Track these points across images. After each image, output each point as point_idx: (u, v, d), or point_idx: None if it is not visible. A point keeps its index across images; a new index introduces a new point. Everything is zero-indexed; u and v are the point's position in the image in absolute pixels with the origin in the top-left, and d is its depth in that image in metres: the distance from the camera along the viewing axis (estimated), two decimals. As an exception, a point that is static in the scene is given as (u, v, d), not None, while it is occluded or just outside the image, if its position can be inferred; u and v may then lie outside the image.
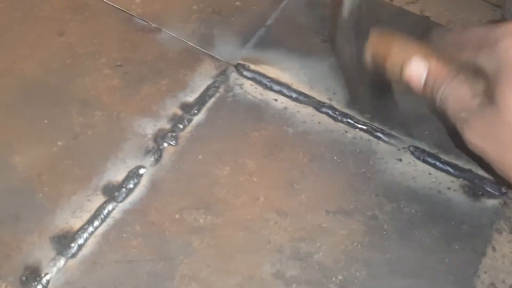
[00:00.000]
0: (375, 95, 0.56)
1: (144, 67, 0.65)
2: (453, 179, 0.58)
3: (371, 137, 0.61)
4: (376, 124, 0.61)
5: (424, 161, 0.59)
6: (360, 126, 0.62)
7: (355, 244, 0.54)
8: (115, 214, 0.55)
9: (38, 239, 0.54)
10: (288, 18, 0.70)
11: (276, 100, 0.64)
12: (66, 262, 0.53)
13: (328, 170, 0.59)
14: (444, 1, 0.73)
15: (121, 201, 0.56)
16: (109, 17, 0.69)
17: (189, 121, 0.62)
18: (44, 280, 0.52)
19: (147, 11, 0.69)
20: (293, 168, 0.59)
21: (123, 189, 0.57)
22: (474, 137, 0.42)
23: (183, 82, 0.64)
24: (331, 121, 0.62)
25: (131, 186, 0.57)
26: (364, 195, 0.57)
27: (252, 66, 0.66)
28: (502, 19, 0.71)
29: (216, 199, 0.56)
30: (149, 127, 0.61)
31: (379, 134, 0.61)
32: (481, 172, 0.58)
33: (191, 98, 0.63)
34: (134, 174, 0.58)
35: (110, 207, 0.56)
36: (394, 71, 0.47)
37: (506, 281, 0.53)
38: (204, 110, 0.62)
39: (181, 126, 0.61)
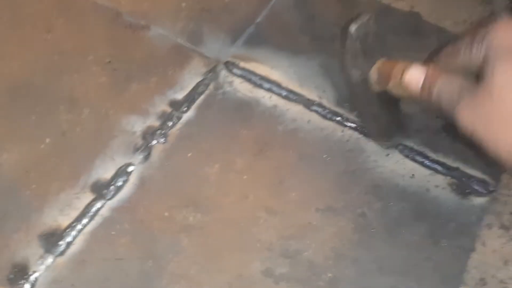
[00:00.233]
0: (383, 113, 0.57)
1: (133, 64, 0.65)
2: (441, 177, 0.58)
3: (361, 135, 0.61)
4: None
5: (413, 159, 0.59)
6: (349, 124, 0.62)
7: (344, 241, 0.54)
8: (104, 211, 0.55)
9: (26, 237, 0.53)
10: (278, 15, 0.70)
11: (266, 98, 0.63)
12: (54, 260, 0.52)
13: (317, 168, 0.59)
14: (434, -3, 0.73)
15: (109, 199, 0.56)
16: (97, 14, 0.68)
17: (179, 118, 0.61)
18: (32, 278, 0.51)
19: (135, 9, 0.69)
20: (282, 166, 0.59)
21: (112, 187, 0.56)
22: (465, 116, 0.43)
23: (172, 79, 0.64)
24: (320, 119, 0.62)
25: (120, 183, 0.57)
26: (353, 193, 0.57)
27: (241, 64, 0.66)
28: (492, 14, 0.72)
29: (206, 197, 0.56)
30: (138, 125, 0.60)
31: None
32: (469, 170, 0.59)
33: (180, 95, 0.63)
34: (122, 172, 0.57)
35: (98, 204, 0.55)
36: (396, 81, 0.49)
37: (496, 275, 0.53)
38: (193, 108, 0.62)
39: (170, 124, 0.61)
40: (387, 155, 0.60)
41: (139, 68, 0.65)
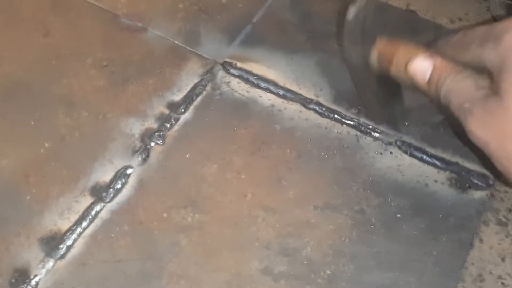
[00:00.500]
0: (382, 95, 0.56)
1: (130, 66, 0.65)
2: (440, 172, 0.58)
3: (358, 132, 0.61)
4: (362, 120, 0.62)
5: (411, 155, 0.59)
6: (347, 121, 0.62)
7: (343, 238, 0.54)
8: (103, 214, 0.55)
9: (27, 241, 0.54)
10: (274, 15, 0.70)
11: (263, 97, 0.64)
12: (55, 263, 0.53)
13: (315, 166, 0.59)
14: (430, -6, 0.73)
15: (109, 202, 0.56)
16: (94, 17, 0.68)
17: (176, 120, 0.62)
18: (33, 282, 0.52)
19: (132, 11, 0.69)
20: (280, 164, 0.59)
21: (111, 190, 0.57)
22: (477, 128, 0.41)
23: (170, 81, 0.64)
24: (318, 117, 0.62)
25: (119, 186, 0.57)
26: (351, 190, 0.57)
27: (238, 64, 0.66)
28: (487, 11, 0.72)
29: (204, 197, 0.57)
30: (136, 127, 0.61)
31: (365, 130, 0.61)
32: (467, 165, 0.59)
33: (178, 97, 0.63)
34: (121, 174, 0.58)
35: (98, 207, 0.56)
36: (399, 68, 0.47)
37: (493, 272, 0.53)
38: (191, 109, 0.63)
39: (168, 125, 0.61)
40: (383, 152, 0.60)
41: (136, 70, 0.65)
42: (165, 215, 0.55)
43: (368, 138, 0.61)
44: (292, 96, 0.64)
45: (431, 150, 0.60)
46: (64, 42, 0.66)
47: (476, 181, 0.58)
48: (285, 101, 0.63)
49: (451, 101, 0.43)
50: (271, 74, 0.65)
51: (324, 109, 0.63)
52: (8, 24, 0.67)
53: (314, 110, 0.63)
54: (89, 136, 0.60)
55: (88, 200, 0.56)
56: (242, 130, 0.61)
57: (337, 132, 0.61)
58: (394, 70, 0.48)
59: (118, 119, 0.61)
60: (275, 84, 0.64)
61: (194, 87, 0.64)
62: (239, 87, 0.64)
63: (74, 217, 0.55)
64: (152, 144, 0.60)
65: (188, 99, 0.63)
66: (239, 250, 0.54)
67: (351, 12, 0.50)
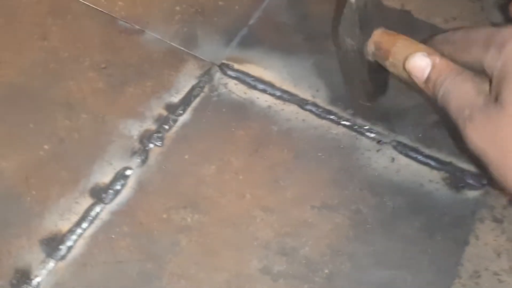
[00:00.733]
0: (372, 87, 0.56)
1: (128, 69, 0.65)
2: (435, 172, 0.59)
3: (354, 133, 0.62)
4: (358, 120, 0.62)
5: (406, 155, 0.60)
6: (343, 122, 0.63)
7: (340, 238, 0.55)
8: (103, 215, 0.56)
9: (27, 242, 0.54)
10: (271, 17, 0.71)
11: (260, 98, 0.64)
12: (55, 264, 0.53)
13: (312, 166, 0.60)
14: (425, -6, 0.74)
15: (108, 203, 0.57)
16: (92, 20, 0.69)
17: (175, 121, 0.62)
18: (34, 283, 0.52)
19: (130, 13, 0.70)
20: (278, 165, 0.60)
21: (111, 191, 0.57)
22: (476, 135, 0.40)
23: (168, 83, 0.65)
24: (315, 118, 0.63)
25: (118, 187, 0.58)
26: (348, 190, 0.58)
27: (236, 66, 0.66)
28: (482, 10, 0.73)
29: (203, 197, 0.57)
30: (135, 129, 0.61)
31: (361, 130, 0.62)
32: (462, 165, 0.60)
33: (176, 98, 0.64)
34: (121, 176, 0.58)
35: (98, 208, 0.56)
36: (397, 63, 0.47)
37: (489, 268, 0.54)
38: (189, 110, 0.63)
39: (166, 127, 0.62)
40: (379, 152, 0.60)
41: (134, 72, 0.65)
42: (164, 215, 0.56)
43: (364, 139, 0.61)
44: (289, 97, 0.64)
45: (426, 151, 0.60)
46: (62, 45, 0.66)
47: (470, 181, 0.59)
48: (282, 102, 0.64)
49: (449, 103, 0.42)
50: (268, 76, 0.66)
51: (320, 110, 0.63)
52: (6, 28, 0.67)
53: (311, 111, 0.63)
54: (88, 138, 0.60)
55: (88, 201, 0.57)
56: (240, 131, 0.62)
57: (334, 132, 0.62)
58: (391, 64, 0.48)
59: (116, 121, 0.62)
60: (272, 86, 0.65)
61: (192, 88, 0.65)
62: (236, 89, 0.65)
63: (74, 218, 0.56)
64: (151, 145, 0.60)
65: (186, 101, 0.64)
66: (238, 250, 0.54)
67: None
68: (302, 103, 0.64)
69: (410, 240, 0.55)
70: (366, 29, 0.51)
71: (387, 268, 0.54)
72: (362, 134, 0.62)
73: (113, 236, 0.55)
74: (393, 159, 0.60)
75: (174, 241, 0.55)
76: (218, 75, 0.66)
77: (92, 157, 0.59)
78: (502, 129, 0.39)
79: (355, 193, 0.58)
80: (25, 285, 0.52)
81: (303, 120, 0.63)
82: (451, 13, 0.72)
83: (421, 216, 0.56)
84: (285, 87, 0.65)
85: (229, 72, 0.66)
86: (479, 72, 0.42)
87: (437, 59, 0.44)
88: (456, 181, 0.59)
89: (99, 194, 0.57)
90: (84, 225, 0.55)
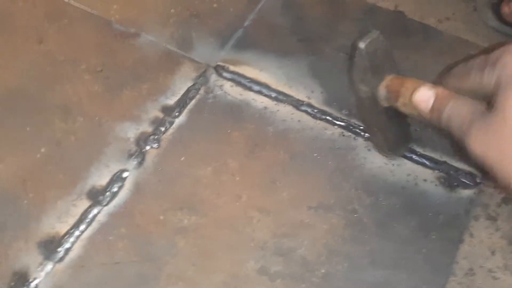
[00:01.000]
0: (391, 135, 0.58)
1: (124, 72, 0.66)
2: (429, 171, 0.60)
3: (349, 133, 0.62)
4: (353, 121, 0.63)
5: (401, 155, 0.61)
6: (338, 123, 0.63)
7: (336, 238, 0.56)
8: (101, 217, 0.56)
9: (25, 245, 0.54)
10: (265, 19, 0.71)
11: (255, 100, 0.65)
12: (53, 266, 0.54)
13: (308, 167, 0.60)
14: (417, -5, 0.74)
15: (106, 205, 0.57)
16: (87, 23, 0.69)
17: (171, 123, 0.63)
18: (32, 285, 0.53)
19: (125, 16, 0.70)
20: (274, 166, 0.60)
21: (108, 193, 0.58)
22: (476, 144, 0.42)
23: (164, 85, 0.65)
24: (310, 118, 0.64)
25: (115, 189, 0.58)
26: (343, 190, 0.59)
27: (231, 67, 0.67)
28: (475, 11, 0.73)
29: (200, 199, 0.58)
30: (131, 131, 0.62)
31: (357, 130, 0.62)
32: (456, 164, 0.60)
33: (172, 101, 0.64)
34: (117, 178, 0.59)
35: (95, 211, 0.57)
36: (405, 100, 0.50)
37: (483, 265, 0.55)
38: (185, 112, 0.64)
39: (162, 129, 0.62)
40: (374, 152, 0.61)
41: (130, 75, 0.66)
42: (161, 217, 0.56)
43: (359, 139, 0.62)
44: (284, 99, 0.65)
45: (420, 150, 0.61)
46: (58, 49, 0.67)
47: (464, 180, 0.59)
48: (277, 104, 0.65)
49: (451, 125, 0.45)
50: (263, 77, 0.66)
51: (316, 110, 0.64)
52: (2, 32, 0.68)
53: (306, 112, 0.64)
54: (85, 140, 0.61)
55: (85, 203, 0.57)
56: (235, 133, 0.62)
57: (329, 133, 0.62)
58: (401, 102, 0.50)
59: (113, 123, 0.62)
60: (268, 87, 0.65)
61: (188, 91, 0.65)
62: (232, 90, 0.65)
63: (72, 221, 0.56)
64: (147, 147, 0.61)
65: (182, 103, 0.64)
66: (235, 251, 0.55)
67: (363, 45, 0.51)
68: (297, 104, 0.64)
69: (405, 239, 0.56)
70: (378, 75, 0.53)
71: (383, 267, 0.54)
72: (357, 134, 0.62)
73: (110, 238, 0.55)
74: (388, 159, 0.60)
75: (171, 243, 0.55)
76: (213, 77, 0.66)
77: (89, 160, 0.59)
78: (500, 134, 0.41)
79: (351, 193, 0.58)
80: (23, 287, 0.52)
81: (299, 121, 0.63)
82: (444, 14, 0.73)
83: (416, 215, 0.57)
84: (281, 88, 0.65)
85: (225, 74, 0.66)
86: (481, 98, 0.44)
87: (439, 90, 0.47)
88: (450, 180, 0.59)
89: (96, 196, 0.57)
90: (82, 227, 0.56)
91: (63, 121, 0.62)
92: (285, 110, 0.64)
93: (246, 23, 0.71)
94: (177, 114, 0.63)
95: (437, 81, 0.49)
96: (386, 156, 0.61)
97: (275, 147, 0.61)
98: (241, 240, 0.55)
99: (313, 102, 0.64)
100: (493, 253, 0.55)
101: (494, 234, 0.56)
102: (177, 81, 0.66)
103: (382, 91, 0.53)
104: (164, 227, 0.56)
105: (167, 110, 0.63)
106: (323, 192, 0.58)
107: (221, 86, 0.66)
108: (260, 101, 0.65)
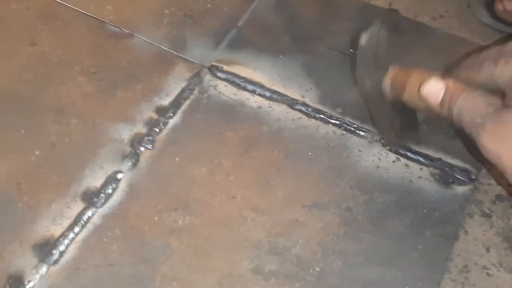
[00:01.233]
0: (398, 126, 0.56)
1: (118, 73, 0.66)
2: (424, 168, 0.60)
3: (344, 132, 0.62)
4: (347, 119, 0.63)
5: (395, 152, 0.61)
6: (332, 121, 0.63)
7: (331, 236, 0.56)
8: (95, 219, 0.56)
9: (20, 247, 0.55)
10: (259, 18, 0.71)
11: (250, 99, 0.65)
12: (48, 269, 0.54)
13: (303, 166, 0.60)
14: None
15: (100, 207, 0.57)
16: (81, 25, 0.69)
17: (165, 124, 0.63)
18: (27, 288, 0.53)
19: (119, 17, 0.70)
20: (268, 165, 0.60)
21: (102, 195, 0.58)
22: (489, 141, 0.41)
23: (158, 86, 0.65)
24: (304, 117, 0.64)
25: (110, 191, 0.58)
26: (338, 188, 0.59)
27: (225, 67, 0.67)
28: (467, 8, 0.73)
29: (194, 199, 0.58)
30: (125, 132, 0.62)
31: (351, 128, 0.62)
32: (450, 160, 0.60)
33: (166, 101, 0.64)
34: (112, 179, 0.59)
35: (89, 213, 0.57)
36: (412, 93, 0.48)
37: (478, 262, 0.55)
38: (179, 113, 0.64)
39: (157, 130, 0.62)
40: (368, 150, 0.61)
41: (124, 76, 0.66)
42: (156, 218, 0.56)
43: (354, 137, 0.62)
44: (279, 98, 0.65)
45: (415, 147, 0.61)
46: (52, 51, 0.67)
47: (459, 176, 0.59)
48: (271, 103, 0.64)
49: (463, 119, 0.43)
50: (257, 76, 0.66)
51: (310, 109, 0.64)
52: (-4, 34, 0.68)
53: (301, 110, 0.64)
54: (79, 142, 0.61)
55: (80, 205, 0.57)
56: (230, 133, 0.62)
57: (323, 131, 0.62)
58: (407, 95, 0.49)
59: (107, 125, 0.62)
60: (262, 86, 0.65)
61: (182, 91, 0.65)
62: (226, 90, 0.65)
63: (66, 223, 0.56)
64: (142, 148, 0.61)
65: (176, 103, 0.64)
66: (229, 250, 0.55)
67: (363, 39, 0.50)
68: (291, 103, 0.64)
69: (400, 236, 0.55)
70: (381, 67, 0.52)
71: (378, 264, 0.54)
72: (352, 132, 0.62)
73: (105, 240, 0.55)
74: (382, 157, 0.60)
75: (165, 243, 0.55)
76: (207, 77, 0.66)
77: (83, 162, 0.59)
78: None
79: (345, 191, 0.58)
80: (18, 290, 0.53)
81: (293, 120, 0.63)
82: (438, 11, 0.73)
83: (410, 213, 0.57)
84: (275, 87, 0.65)
85: (219, 74, 0.66)
86: (493, 91, 0.43)
87: (450, 82, 0.45)
88: (445, 177, 0.59)
89: (90, 198, 0.57)
90: (76, 229, 0.56)
91: (57, 123, 0.62)
92: (279, 109, 0.64)
93: (240, 23, 0.71)
94: (171, 114, 0.63)
95: (445, 73, 0.47)
96: (394, 147, 0.59)
97: (270, 147, 0.61)
98: (235, 240, 0.55)
99: (307, 101, 0.64)
100: (487, 250, 0.55)
101: (489, 231, 0.56)
102: (171, 81, 0.66)
103: (387, 83, 0.51)
104: (159, 228, 0.56)
105: (161, 111, 0.63)
106: (317, 190, 0.58)
107: (215, 86, 0.66)
108: (254, 100, 0.65)
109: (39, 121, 0.62)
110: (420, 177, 0.59)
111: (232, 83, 0.66)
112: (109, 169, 0.59)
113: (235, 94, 0.65)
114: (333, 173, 0.60)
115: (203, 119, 0.63)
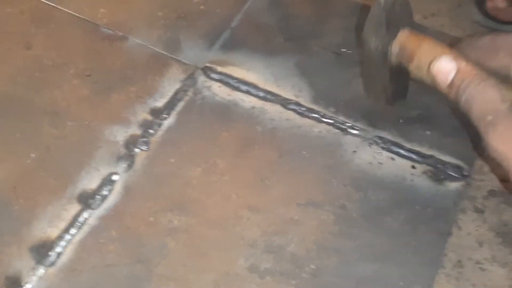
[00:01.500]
0: (391, 90, 0.55)
1: (113, 75, 0.66)
2: (417, 165, 0.60)
3: (337, 130, 0.63)
4: (341, 118, 0.63)
5: (389, 150, 0.61)
6: (326, 120, 0.64)
7: (326, 234, 0.56)
8: (91, 221, 0.57)
9: (17, 250, 0.55)
10: (252, 19, 0.72)
11: (244, 100, 0.65)
12: (45, 270, 0.54)
13: (297, 165, 0.61)
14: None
15: (96, 208, 0.57)
16: (75, 28, 0.70)
17: (160, 125, 0.63)
18: (25, 290, 0.53)
19: (112, 20, 0.71)
20: (263, 165, 0.61)
21: (98, 196, 0.58)
22: (499, 141, 0.39)
23: (152, 87, 0.66)
24: (298, 117, 0.64)
25: (106, 193, 0.58)
26: (332, 187, 0.59)
27: (219, 68, 0.67)
28: (458, 6, 0.74)
29: (189, 200, 0.58)
30: (120, 134, 0.62)
31: (344, 127, 0.63)
32: (443, 157, 0.61)
33: (160, 103, 0.65)
34: (107, 181, 0.59)
35: (86, 214, 0.57)
36: (421, 66, 0.46)
37: (472, 257, 0.55)
38: (174, 114, 0.64)
39: (152, 131, 0.63)
40: (362, 148, 0.61)
41: (118, 79, 0.66)
42: (152, 219, 0.57)
43: (347, 136, 0.62)
44: (272, 98, 0.65)
45: (407, 145, 0.61)
46: (46, 54, 0.67)
47: (451, 173, 0.60)
48: (265, 103, 0.65)
49: (472, 109, 0.41)
50: (251, 77, 0.67)
51: (304, 109, 0.64)
52: (-11, 39, 0.68)
53: (294, 110, 0.64)
54: (75, 145, 0.61)
55: (76, 207, 0.57)
56: (224, 133, 0.62)
57: (317, 130, 0.63)
58: (414, 67, 0.47)
59: (102, 127, 0.62)
60: (255, 87, 0.66)
61: (176, 92, 0.65)
62: (220, 91, 0.66)
63: (62, 225, 0.56)
64: (137, 150, 0.61)
65: (170, 105, 0.64)
66: (225, 250, 0.55)
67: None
68: (285, 103, 0.65)
69: (394, 233, 0.56)
70: (392, 30, 0.50)
71: (373, 261, 0.54)
72: (345, 131, 0.63)
73: (101, 241, 0.55)
74: (375, 154, 0.61)
75: (161, 244, 0.55)
76: (201, 78, 0.67)
77: (79, 164, 0.60)
78: None
79: (340, 189, 0.59)
80: (16, 292, 0.53)
81: (287, 119, 0.64)
82: (430, 10, 0.73)
83: (404, 209, 0.57)
84: (268, 87, 0.66)
85: (213, 75, 0.67)
86: (505, 78, 0.41)
87: (463, 64, 0.43)
88: (437, 173, 0.60)
89: (86, 200, 0.58)
90: (73, 231, 0.56)
91: (53, 126, 0.62)
92: (273, 109, 0.64)
93: (233, 24, 0.71)
94: (165, 116, 0.64)
95: (457, 47, 0.44)
96: (379, 107, 0.58)
97: (264, 146, 0.62)
98: (231, 239, 0.56)
99: (301, 100, 0.65)
100: (480, 245, 0.56)
101: (482, 226, 0.57)
102: (165, 83, 0.66)
103: (395, 47, 0.49)
104: (155, 229, 0.56)
105: (156, 112, 0.64)
106: (312, 189, 0.59)
107: (209, 87, 0.66)
108: (248, 101, 0.65)
109: (34, 124, 0.62)
110: (413, 174, 0.60)
111: (226, 84, 0.66)
112: (104, 171, 0.60)
113: (229, 95, 0.66)
114: (327, 172, 0.60)
115: (197, 120, 0.64)
